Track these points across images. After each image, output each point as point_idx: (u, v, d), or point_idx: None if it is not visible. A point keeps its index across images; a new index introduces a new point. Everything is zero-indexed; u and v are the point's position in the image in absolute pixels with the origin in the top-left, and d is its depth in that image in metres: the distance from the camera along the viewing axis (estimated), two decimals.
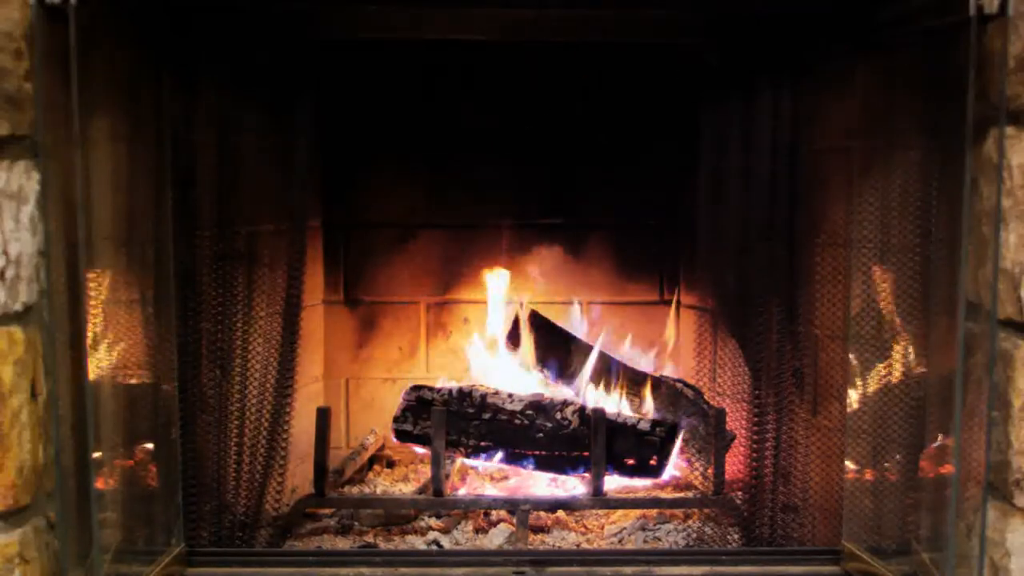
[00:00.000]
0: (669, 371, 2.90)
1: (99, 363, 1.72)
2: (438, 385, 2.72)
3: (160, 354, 1.97)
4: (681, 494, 2.65)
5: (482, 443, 2.57)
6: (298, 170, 2.32)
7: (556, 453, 2.52)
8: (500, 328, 2.90)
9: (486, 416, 2.56)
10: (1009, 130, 1.56)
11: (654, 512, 2.52)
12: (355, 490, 2.74)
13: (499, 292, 2.91)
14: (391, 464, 2.93)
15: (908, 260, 1.89)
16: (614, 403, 2.74)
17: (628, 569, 1.98)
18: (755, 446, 2.26)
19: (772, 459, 2.25)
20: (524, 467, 2.58)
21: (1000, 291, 1.58)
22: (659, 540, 2.42)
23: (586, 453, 2.47)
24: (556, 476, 2.60)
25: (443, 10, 2.19)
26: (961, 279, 1.65)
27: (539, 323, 2.87)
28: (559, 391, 2.76)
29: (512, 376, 2.84)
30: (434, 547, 2.38)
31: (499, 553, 2.20)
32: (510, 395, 2.61)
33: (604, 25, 2.31)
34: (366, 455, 2.85)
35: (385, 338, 3.01)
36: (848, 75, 2.07)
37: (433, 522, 2.51)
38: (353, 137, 2.87)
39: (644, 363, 2.89)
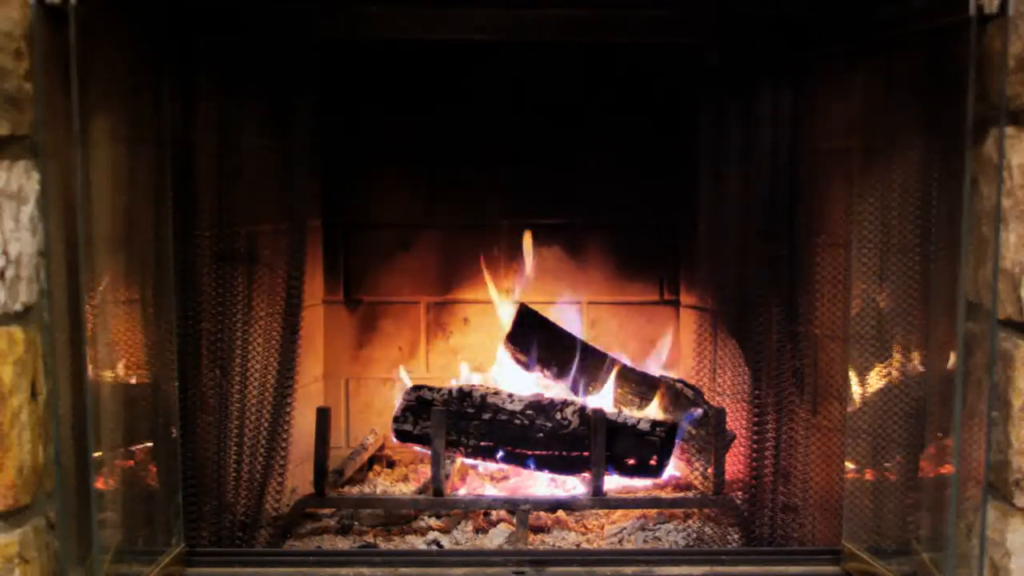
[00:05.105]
0: (662, 369, 2.90)
1: (99, 363, 1.72)
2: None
3: (160, 354, 1.97)
4: (681, 494, 2.64)
5: (482, 443, 2.56)
6: (298, 170, 2.32)
7: (556, 453, 2.52)
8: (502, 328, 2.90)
9: (486, 416, 2.56)
10: (1009, 130, 1.56)
11: (654, 512, 2.52)
12: (355, 490, 2.74)
13: (504, 294, 2.91)
14: (391, 464, 2.93)
15: (908, 260, 1.89)
16: (614, 403, 2.74)
17: (628, 569, 1.98)
18: (755, 446, 2.26)
19: (772, 459, 2.25)
20: (524, 467, 2.57)
21: (1000, 291, 1.58)
22: (659, 540, 2.42)
23: (586, 453, 2.47)
24: (556, 476, 2.60)
25: (443, 10, 2.19)
26: (961, 279, 1.65)
27: (539, 323, 2.86)
28: (559, 391, 2.76)
29: (512, 376, 2.83)
30: (434, 547, 2.37)
31: (499, 553, 2.20)
32: (510, 395, 2.60)
33: (604, 25, 2.31)
34: (366, 455, 2.85)
35: (385, 338, 3.01)
36: (848, 75, 2.07)
37: (433, 522, 2.50)
38: (353, 137, 2.87)
39: (644, 363, 2.89)
